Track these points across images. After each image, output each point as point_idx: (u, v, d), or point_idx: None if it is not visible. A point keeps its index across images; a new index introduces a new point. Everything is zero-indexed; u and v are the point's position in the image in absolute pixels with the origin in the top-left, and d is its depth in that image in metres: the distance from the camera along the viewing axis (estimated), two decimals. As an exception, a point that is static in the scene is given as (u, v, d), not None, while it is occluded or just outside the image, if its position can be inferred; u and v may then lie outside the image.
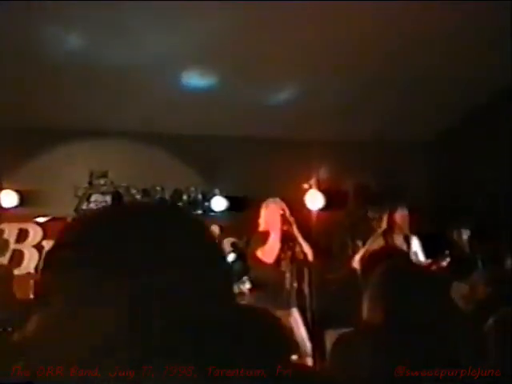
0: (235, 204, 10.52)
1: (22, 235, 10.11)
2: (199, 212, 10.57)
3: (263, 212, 7.71)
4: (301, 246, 7.55)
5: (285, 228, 7.50)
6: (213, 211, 10.62)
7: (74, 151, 10.11)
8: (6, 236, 10.03)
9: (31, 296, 9.30)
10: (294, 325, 7.25)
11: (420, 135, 11.00)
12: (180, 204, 10.30)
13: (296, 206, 8.48)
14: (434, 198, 11.00)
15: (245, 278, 8.94)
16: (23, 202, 9.98)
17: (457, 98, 9.73)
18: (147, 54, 8.33)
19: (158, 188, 10.37)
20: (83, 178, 10.16)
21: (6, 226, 10.06)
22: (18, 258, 9.95)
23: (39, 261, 10.07)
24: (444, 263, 8.05)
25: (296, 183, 10.36)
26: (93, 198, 10.18)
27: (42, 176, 9.93)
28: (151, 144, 10.34)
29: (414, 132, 10.69)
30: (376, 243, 8.30)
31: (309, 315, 7.70)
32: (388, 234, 8.56)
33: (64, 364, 1.04)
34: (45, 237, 10.03)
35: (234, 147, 10.41)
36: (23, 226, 10.13)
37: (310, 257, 7.60)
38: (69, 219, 9.19)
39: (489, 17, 7.62)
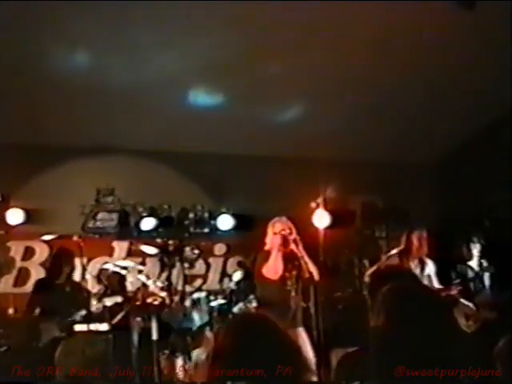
0: (242, 222, 10.50)
1: (29, 253, 10.12)
2: (206, 230, 10.55)
3: (269, 230, 7.67)
4: (306, 264, 7.50)
5: (289, 247, 7.46)
6: (219, 230, 10.61)
7: (80, 169, 10.12)
8: (12, 254, 10.04)
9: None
10: (301, 344, 7.20)
11: (428, 157, 11.02)
12: (186, 222, 10.30)
13: (303, 224, 8.45)
14: (441, 221, 10.97)
15: (251, 296, 8.91)
16: (30, 219, 9.97)
17: (465, 120, 9.75)
18: (156, 71, 8.37)
19: (165, 206, 10.36)
20: (90, 195, 10.15)
21: (12, 244, 10.07)
22: (24, 275, 9.95)
23: (49, 279, 10.06)
24: (455, 291, 8.00)
25: (303, 202, 10.33)
26: (99, 216, 10.18)
27: (48, 194, 9.94)
28: (158, 162, 10.34)
29: (420, 155, 10.71)
30: (390, 262, 8.25)
31: (315, 334, 7.65)
32: (404, 254, 8.49)
33: None
34: (51, 254, 10.02)
35: (242, 166, 10.41)
36: (29, 243, 10.14)
37: (316, 276, 7.55)
38: (75, 238, 9.21)
39: (490, 52, 7.69)
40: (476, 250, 8.57)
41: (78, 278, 9.09)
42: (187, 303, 9.42)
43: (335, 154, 10.14)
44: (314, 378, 7.09)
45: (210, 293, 9.95)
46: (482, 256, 8.57)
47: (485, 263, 8.54)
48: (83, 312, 8.16)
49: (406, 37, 7.79)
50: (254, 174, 10.40)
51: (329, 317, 8.30)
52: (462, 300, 7.84)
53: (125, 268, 9.46)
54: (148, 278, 9.50)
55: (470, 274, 8.52)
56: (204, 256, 10.88)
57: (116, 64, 8.38)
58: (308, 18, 7.43)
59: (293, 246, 7.43)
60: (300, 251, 7.45)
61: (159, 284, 9.44)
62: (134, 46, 8.04)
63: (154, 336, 8.52)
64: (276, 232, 7.53)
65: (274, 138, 9.85)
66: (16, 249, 10.08)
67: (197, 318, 9.22)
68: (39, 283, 8.81)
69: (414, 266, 8.38)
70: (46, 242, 10.08)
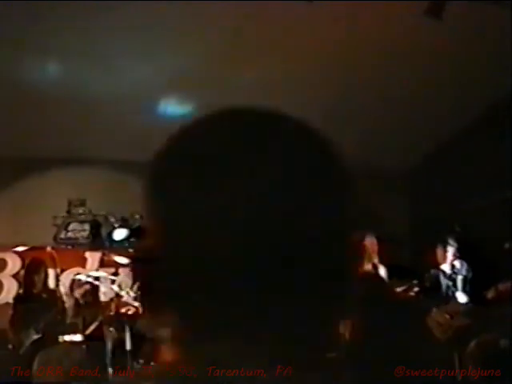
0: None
1: (1, 265, 10.07)
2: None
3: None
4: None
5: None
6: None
7: (52, 180, 10.12)
8: (-16, 266, 10.00)
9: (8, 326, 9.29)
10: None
11: (396, 164, 11.12)
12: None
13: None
14: (407, 227, 11.09)
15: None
16: (1, 231, 9.93)
17: (429, 129, 9.88)
18: (125, 82, 8.39)
19: (137, 216, 10.36)
20: (61, 206, 10.14)
21: (-16, 256, 10.02)
22: (-4, 287, 9.92)
23: (18, 291, 10.03)
24: (412, 293, 8.10)
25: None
26: (71, 227, 10.17)
27: (20, 205, 9.91)
28: (130, 172, 10.34)
29: (393, 161, 10.81)
30: None
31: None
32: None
33: None
34: (23, 266, 9.99)
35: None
36: (1, 255, 10.09)
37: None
38: (48, 249, 9.21)
39: (462, 60, 7.81)
40: (450, 253, 8.67)
41: (52, 285, 9.10)
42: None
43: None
44: None
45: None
46: (455, 259, 8.67)
47: (458, 266, 8.64)
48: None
49: (376, 43, 7.89)
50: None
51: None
52: (434, 309, 7.93)
53: (97, 278, 9.46)
54: (121, 287, 9.51)
55: (443, 278, 8.62)
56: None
57: (89, 75, 8.39)
58: (280, 29, 7.52)
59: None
60: None
61: (132, 294, 9.45)
62: (107, 57, 8.08)
63: (128, 346, 8.53)
64: None
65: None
66: (-12, 261, 10.04)
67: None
68: (18, 296, 8.82)
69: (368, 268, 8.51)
70: (18, 253, 10.06)
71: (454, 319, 7.96)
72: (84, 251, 10.38)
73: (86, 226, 10.20)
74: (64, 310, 8.79)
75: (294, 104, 7.32)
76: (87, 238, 10.19)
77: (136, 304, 9.32)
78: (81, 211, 10.22)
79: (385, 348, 2.56)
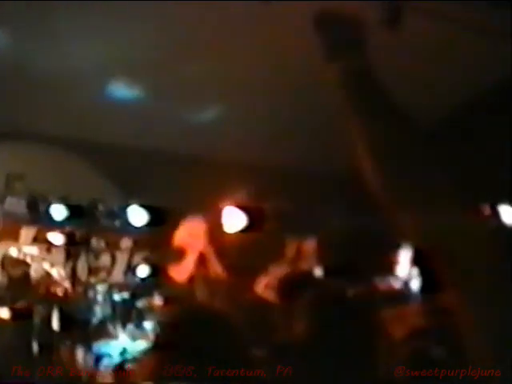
0: (152, 218, 10.49)
1: None
2: (115, 223, 10.53)
3: (182, 229, 7.68)
4: (215, 266, 7.57)
5: (202, 248, 7.51)
6: (128, 223, 10.58)
7: (-11, 154, 9.96)
8: None
9: None
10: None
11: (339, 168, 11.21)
12: (96, 213, 10.25)
13: (214, 226, 8.49)
14: (349, 229, 11.18)
15: (156, 292, 8.98)
16: None
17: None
18: (77, 60, 8.29)
19: (75, 196, 10.27)
20: (-1, 180, 10.00)
21: None
22: None
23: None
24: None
25: (214, 204, 10.38)
26: (7, 201, 10.03)
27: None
28: (71, 151, 10.26)
29: (332, 166, 10.90)
30: (281, 270, 8.28)
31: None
32: (295, 262, 8.55)
33: None
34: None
35: (155, 161, 10.40)
36: None
37: (223, 277, 7.62)
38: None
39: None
40: (404, 256, 8.72)
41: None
42: (90, 295, 9.41)
43: (250, 158, 10.24)
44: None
45: (113, 286, 9.96)
46: (410, 262, 8.73)
47: (412, 269, 8.72)
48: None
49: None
50: (166, 170, 10.40)
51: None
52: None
53: (29, 255, 9.40)
54: (52, 266, 9.46)
55: (395, 281, 8.69)
56: (110, 249, 10.87)
57: (35, 50, 8.28)
58: (231, 18, 7.50)
59: (204, 247, 7.48)
60: (210, 252, 7.51)
61: (63, 274, 9.41)
62: (57, 33, 7.96)
63: (55, 326, 8.50)
64: (190, 231, 7.57)
65: (189, 136, 9.87)
66: None
67: (99, 311, 9.24)
68: None
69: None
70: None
71: (408, 318, 8.02)
72: (18, 226, 10.27)
73: (23, 202, 10.07)
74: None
75: (242, 95, 7.38)
76: (23, 213, 10.08)
77: (66, 284, 9.28)
78: (18, 186, 10.08)
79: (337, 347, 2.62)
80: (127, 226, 10.53)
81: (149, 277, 9.68)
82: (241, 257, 10.34)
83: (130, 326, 9.10)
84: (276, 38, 7.87)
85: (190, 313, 2.35)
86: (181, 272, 7.40)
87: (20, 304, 8.67)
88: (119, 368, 8.38)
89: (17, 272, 9.01)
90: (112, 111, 9.34)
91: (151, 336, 9.13)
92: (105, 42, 8.12)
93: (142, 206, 10.46)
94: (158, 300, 9.03)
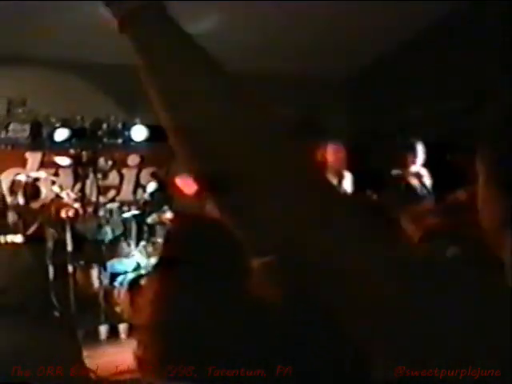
0: (156, 133, 10.50)
1: None
2: (119, 141, 10.56)
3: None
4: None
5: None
6: (133, 141, 10.61)
7: (-9, 78, 9.91)
8: None
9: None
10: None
11: (342, 71, 11.15)
12: (100, 133, 10.26)
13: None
14: (358, 134, 11.17)
15: (165, 207, 9.04)
16: None
17: (379, 34, 9.87)
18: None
19: (78, 117, 10.28)
20: (1, 106, 9.99)
21: None
22: None
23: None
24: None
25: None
26: (11, 127, 10.05)
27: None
28: (71, 73, 10.21)
29: (336, 68, 10.82)
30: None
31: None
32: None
33: None
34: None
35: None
36: None
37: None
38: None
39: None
40: (419, 157, 8.68)
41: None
42: (101, 214, 9.49)
43: (250, 66, 10.16)
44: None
45: (123, 204, 10.05)
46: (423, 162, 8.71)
47: (423, 171, 8.72)
48: None
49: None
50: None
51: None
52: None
53: (38, 179, 9.46)
54: (61, 189, 9.52)
55: (413, 181, 8.68)
56: (117, 167, 10.92)
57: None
58: None
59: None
60: None
61: (73, 195, 9.47)
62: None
63: (69, 247, 8.62)
64: None
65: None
66: None
67: (111, 229, 9.33)
68: None
69: (332, 179, 8.47)
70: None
71: (424, 219, 8.02)
72: (24, 152, 10.31)
73: (26, 127, 10.08)
74: (4, 210, 8.79)
75: (237, 8, 7.24)
76: (27, 138, 10.11)
77: (76, 205, 9.35)
78: (21, 111, 10.07)
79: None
80: (132, 144, 10.57)
81: (157, 192, 9.73)
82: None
83: (143, 243, 9.20)
84: None
85: (197, 225, 2.34)
86: (187, 185, 7.41)
87: (32, 228, 8.77)
88: (134, 284, 8.51)
89: (26, 197, 9.07)
90: (107, 30, 9.21)
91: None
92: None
93: (145, 124, 10.47)
94: (168, 215, 9.09)
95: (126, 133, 10.54)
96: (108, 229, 9.25)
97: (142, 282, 8.59)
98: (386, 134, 10.28)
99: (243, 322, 1.93)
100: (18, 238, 8.48)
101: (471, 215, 1.22)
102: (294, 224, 0.98)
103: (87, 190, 9.76)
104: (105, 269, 8.79)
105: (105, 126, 10.47)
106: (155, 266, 2.29)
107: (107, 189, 10.65)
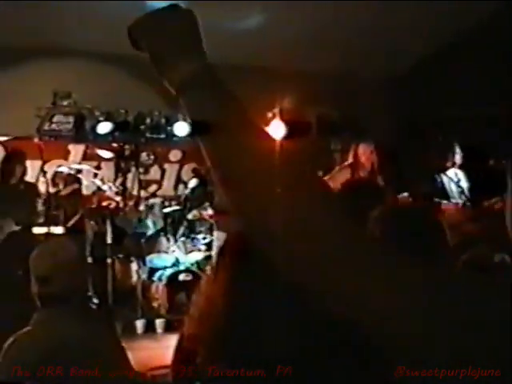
0: (198, 129, 10.48)
1: (-17, 154, 10.06)
2: (162, 136, 10.56)
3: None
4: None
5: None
6: (175, 136, 10.60)
7: (37, 71, 9.96)
8: (-34, 153, 9.97)
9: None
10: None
11: (385, 70, 11.04)
12: (143, 127, 10.27)
13: (259, 134, 8.37)
14: (397, 134, 11.07)
15: (206, 204, 9.01)
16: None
17: (422, 35, 9.78)
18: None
19: (122, 111, 10.29)
20: (46, 98, 10.02)
21: (-34, 143, 10.00)
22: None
23: (1, 179, 10.06)
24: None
25: (260, 112, 10.30)
26: (55, 119, 10.07)
27: (4, 95, 9.79)
28: (116, 66, 10.24)
29: (379, 67, 10.73)
30: (342, 176, 8.18)
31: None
32: (354, 167, 8.44)
33: None
34: (6, 157, 10.03)
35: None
36: (-16, 145, 10.08)
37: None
38: (35, 140, 9.24)
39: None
40: (457, 159, 8.59)
41: (32, 178, 9.11)
42: (142, 208, 9.50)
43: (293, 64, 10.12)
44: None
45: (164, 198, 10.04)
46: (460, 165, 8.62)
47: (462, 173, 8.61)
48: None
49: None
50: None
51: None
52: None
53: (80, 171, 9.49)
54: (103, 182, 9.55)
55: (449, 183, 8.58)
56: (159, 162, 10.93)
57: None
58: None
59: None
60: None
61: (114, 188, 9.50)
62: None
63: (109, 240, 8.63)
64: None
65: (230, 44, 9.76)
66: (-30, 148, 10.03)
67: (151, 224, 9.33)
68: None
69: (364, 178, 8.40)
70: (1, 143, 10.04)
71: (463, 224, 7.92)
72: (67, 144, 10.35)
73: (71, 119, 10.10)
74: (45, 202, 8.82)
75: (281, 7, 7.22)
76: (71, 130, 10.13)
77: (117, 198, 9.37)
78: (66, 103, 10.10)
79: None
80: (174, 139, 10.56)
81: (198, 188, 9.71)
82: (286, 164, 10.27)
83: (182, 238, 9.19)
84: None
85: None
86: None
87: (73, 220, 8.80)
88: (172, 280, 8.51)
89: (68, 189, 9.11)
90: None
91: (203, 247, 9.26)
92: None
93: (188, 120, 10.44)
94: (209, 211, 9.07)
95: (169, 128, 10.54)
96: (149, 223, 9.25)
97: (181, 277, 8.60)
98: (425, 135, 10.19)
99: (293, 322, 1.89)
100: (58, 230, 8.51)
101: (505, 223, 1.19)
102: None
103: (128, 184, 9.76)
104: (144, 263, 8.80)
105: (148, 120, 10.47)
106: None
107: (148, 183, 10.66)
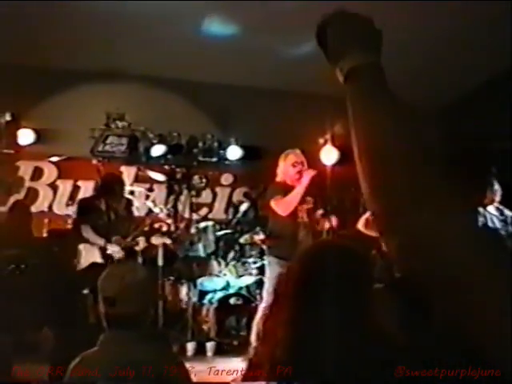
0: (250, 153, 10.52)
1: (37, 173, 10.18)
2: (214, 160, 10.60)
3: (281, 163, 7.54)
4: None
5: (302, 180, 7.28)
6: (227, 159, 10.65)
7: (92, 93, 10.04)
8: (21, 173, 10.08)
9: (44, 234, 9.41)
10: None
11: (434, 99, 10.99)
12: (195, 150, 10.32)
13: (311, 160, 8.36)
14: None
15: (258, 228, 8.98)
16: (39, 140, 9.99)
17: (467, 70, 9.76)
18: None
19: (175, 134, 10.37)
20: (100, 119, 10.13)
21: (21, 164, 10.10)
22: (32, 196, 10.03)
23: (53, 200, 10.15)
24: None
25: (312, 137, 10.30)
26: (109, 140, 10.17)
27: (59, 116, 9.92)
28: (170, 89, 10.30)
29: (421, 101, 10.69)
30: None
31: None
32: None
33: None
34: (59, 176, 10.13)
35: (252, 97, 10.37)
36: (39, 164, 10.19)
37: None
38: (94, 161, 9.37)
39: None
40: (497, 194, 8.47)
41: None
42: (192, 231, 9.51)
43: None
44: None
45: (215, 222, 10.04)
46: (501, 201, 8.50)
47: (503, 208, 8.49)
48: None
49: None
50: (263, 106, 10.37)
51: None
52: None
53: (132, 193, 9.53)
54: (155, 204, 9.58)
55: (494, 220, 8.46)
56: (211, 185, 10.96)
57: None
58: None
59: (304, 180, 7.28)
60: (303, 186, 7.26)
61: (166, 211, 9.52)
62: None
63: (160, 262, 8.64)
64: (294, 164, 7.42)
65: (285, 71, 9.79)
66: (25, 169, 10.13)
67: (202, 247, 9.33)
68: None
69: None
70: (54, 163, 10.15)
71: None
72: (120, 165, 10.42)
73: (124, 140, 10.20)
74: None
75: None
76: (124, 152, 10.21)
77: (169, 221, 9.39)
78: (119, 125, 10.20)
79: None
80: (226, 163, 10.59)
81: (250, 212, 9.71)
82: (338, 190, 10.26)
83: (233, 262, 9.18)
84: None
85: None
86: (285, 206, 7.23)
87: (127, 240, 8.81)
88: (222, 303, 8.50)
89: (121, 210, 9.13)
90: (207, 48, 9.29)
91: (254, 271, 9.22)
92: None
93: (240, 144, 10.52)
94: (261, 236, 9.03)
95: (221, 152, 10.59)
96: (199, 246, 9.26)
97: (231, 301, 8.59)
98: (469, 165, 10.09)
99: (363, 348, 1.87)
100: (115, 249, 8.50)
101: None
102: None
103: (180, 207, 9.78)
104: (194, 286, 8.80)
105: (200, 143, 10.53)
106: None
107: (199, 206, 10.67)
